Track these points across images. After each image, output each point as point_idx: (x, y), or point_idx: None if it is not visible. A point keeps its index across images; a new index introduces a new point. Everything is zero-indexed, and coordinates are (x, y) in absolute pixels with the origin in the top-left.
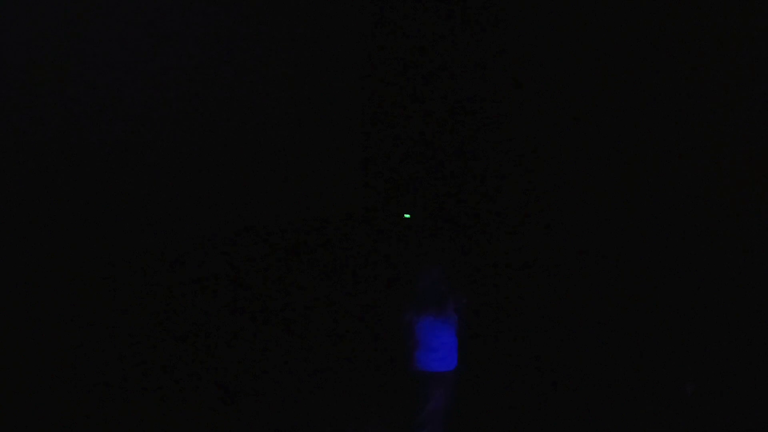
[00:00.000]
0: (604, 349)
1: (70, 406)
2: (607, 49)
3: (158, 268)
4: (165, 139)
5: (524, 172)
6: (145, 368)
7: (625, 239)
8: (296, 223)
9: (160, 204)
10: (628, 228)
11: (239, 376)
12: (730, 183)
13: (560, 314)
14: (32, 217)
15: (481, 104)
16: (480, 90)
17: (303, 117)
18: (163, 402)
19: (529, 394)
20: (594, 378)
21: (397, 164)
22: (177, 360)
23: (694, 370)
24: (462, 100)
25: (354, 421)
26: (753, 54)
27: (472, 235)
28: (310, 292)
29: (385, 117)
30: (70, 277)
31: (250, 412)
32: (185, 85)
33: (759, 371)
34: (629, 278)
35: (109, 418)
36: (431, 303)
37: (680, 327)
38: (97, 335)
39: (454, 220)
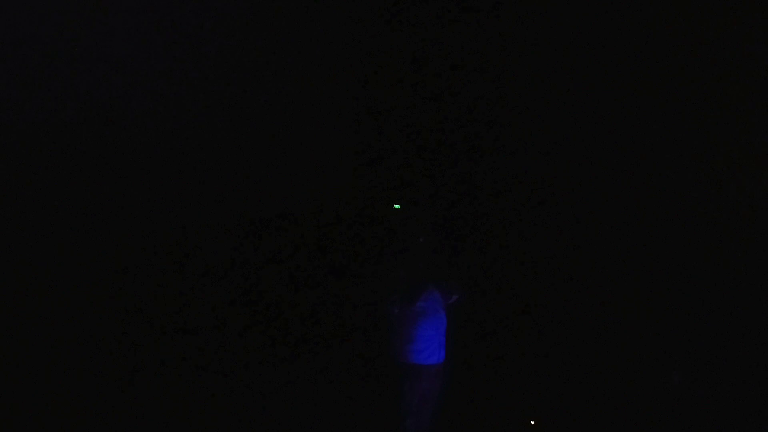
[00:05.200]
0: (592, 339)
1: (72, 405)
2: (614, 50)
3: (153, 264)
4: (164, 136)
5: (518, 168)
6: (143, 366)
7: (616, 235)
8: (284, 216)
9: (159, 201)
10: (622, 225)
11: (231, 368)
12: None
13: (547, 308)
14: (53, 212)
15: (478, 100)
16: (479, 87)
17: (299, 111)
18: (159, 399)
19: (517, 388)
20: (582, 369)
21: (385, 157)
22: (174, 357)
23: (682, 359)
24: (458, 96)
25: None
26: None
27: (461, 229)
28: (297, 285)
29: (379, 111)
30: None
31: (243, 407)
32: (184, 84)
33: (747, 360)
34: (618, 272)
35: (109, 417)
36: (420, 297)
37: (667, 317)
38: (99, 331)
39: (443, 214)
